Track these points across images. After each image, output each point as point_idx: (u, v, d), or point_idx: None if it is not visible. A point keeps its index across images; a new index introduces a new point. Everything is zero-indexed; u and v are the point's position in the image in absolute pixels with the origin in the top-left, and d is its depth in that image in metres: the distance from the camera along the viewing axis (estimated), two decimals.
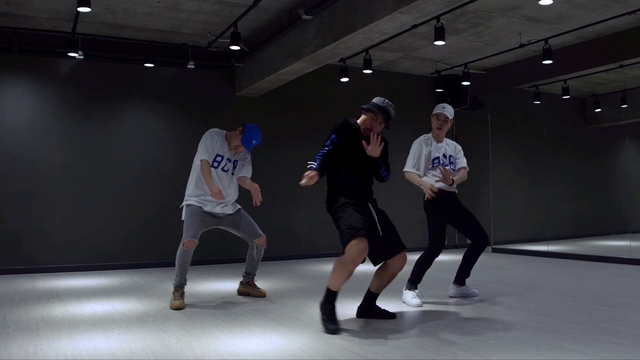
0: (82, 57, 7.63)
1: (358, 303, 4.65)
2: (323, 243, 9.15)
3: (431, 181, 5.21)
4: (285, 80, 7.83)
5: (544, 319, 4.40)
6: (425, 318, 4.55)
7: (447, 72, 9.92)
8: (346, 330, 4.08)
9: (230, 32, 6.84)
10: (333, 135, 4.41)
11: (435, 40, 6.71)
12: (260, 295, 5.59)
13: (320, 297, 4.32)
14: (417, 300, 5.07)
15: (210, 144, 5.33)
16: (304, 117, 9.14)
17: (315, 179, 4.16)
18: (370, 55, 8.30)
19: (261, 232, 5.50)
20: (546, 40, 7.86)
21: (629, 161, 9.68)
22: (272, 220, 8.20)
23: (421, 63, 9.57)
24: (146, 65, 7.92)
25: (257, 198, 5.23)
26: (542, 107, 10.27)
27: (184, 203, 5.46)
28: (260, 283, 6.44)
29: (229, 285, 6.36)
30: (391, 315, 4.49)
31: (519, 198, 10.66)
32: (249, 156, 5.52)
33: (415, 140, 5.37)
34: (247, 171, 5.48)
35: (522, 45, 8.20)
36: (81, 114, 7.91)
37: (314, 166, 4.23)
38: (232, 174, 5.44)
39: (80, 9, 5.73)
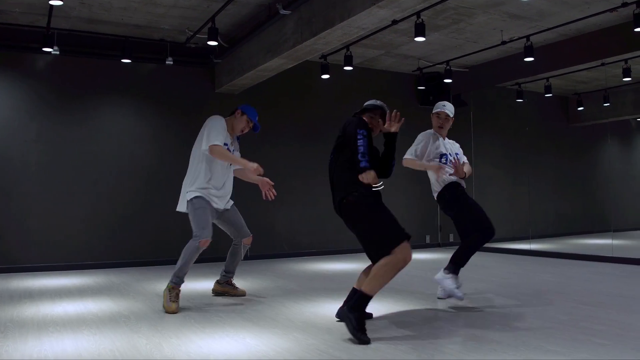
0: (57, 52, 7.47)
1: (332, 303, 4.55)
2: (304, 241, 9.07)
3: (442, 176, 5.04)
4: (265, 77, 7.72)
5: (523, 318, 4.33)
6: (402, 318, 4.47)
7: (429, 70, 9.86)
8: (316, 330, 4.00)
9: (208, 28, 6.72)
10: (364, 130, 4.07)
11: (416, 36, 6.64)
12: (241, 294, 5.48)
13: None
14: (460, 293, 4.81)
15: (221, 127, 4.98)
16: (284, 115, 9.04)
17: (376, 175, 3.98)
18: (351, 52, 8.21)
19: (249, 232, 5.36)
20: (528, 37, 7.82)
21: (611, 160, 9.68)
22: (253, 219, 8.03)
23: (403, 60, 9.50)
24: (123, 61, 7.78)
25: (269, 192, 5.03)
26: (525, 105, 10.25)
27: (190, 195, 5.04)
28: (239, 282, 6.34)
29: (205, 284, 6.24)
30: (368, 315, 4.40)
31: (501, 196, 10.63)
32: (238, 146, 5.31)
33: (421, 133, 5.23)
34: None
35: (503, 43, 8.15)
36: (57, 110, 7.75)
37: (366, 165, 3.95)
38: (230, 164, 5.16)
39: (53, 2, 5.60)
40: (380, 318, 4.45)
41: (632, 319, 4.22)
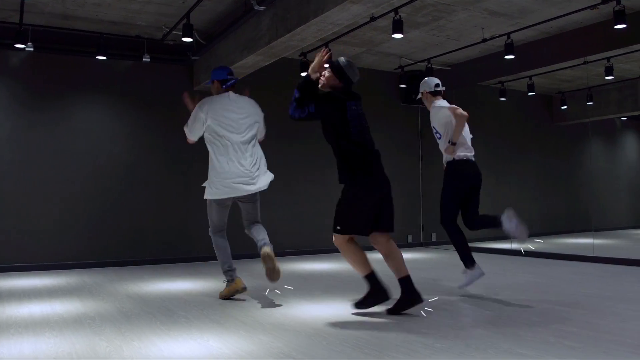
0: (32, 49, 7.33)
1: (302, 304, 4.45)
2: (286, 241, 8.94)
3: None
4: (243, 74, 7.61)
5: (496, 320, 4.25)
6: (370, 319, 4.37)
7: (411, 68, 9.79)
8: (282, 332, 3.90)
9: (183, 24, 6.60)
10: None
11: (394, 33, 6.55)
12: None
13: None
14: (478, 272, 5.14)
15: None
16: (264, 113, 8.88)
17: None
18: (330, 49, 8.10)
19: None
20: (508, 34, 7.76)
21: (592, 159, 9.63)
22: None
23: (384, 58, 9.41)
24: (99, 57, 7.65)
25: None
26: (508, 104, 10.19)
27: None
28: (213, 282, 6.25)
29: (183, 285, 6.13)
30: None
31: (484, 195, 10.51)
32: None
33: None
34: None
35: (484, 40, 8.08)
36: (31, 108, 7.61)
37: None
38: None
39: None
40: (348, 319, 4.35)
41: (605, 321, 4.15)
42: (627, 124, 10.91)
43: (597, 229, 8.64)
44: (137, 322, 4.32)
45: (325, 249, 8.96)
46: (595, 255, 7.70)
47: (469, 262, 5.18)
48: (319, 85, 4.54)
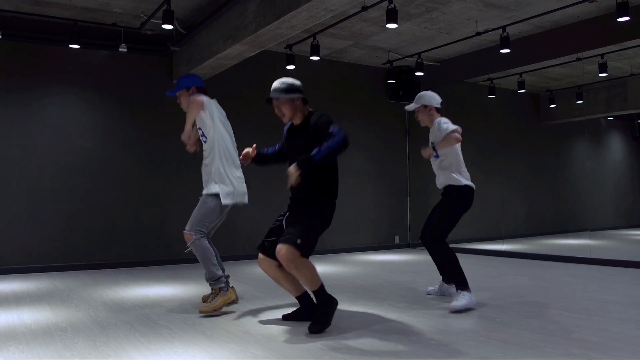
0: (0, 37, 6.85)
1: None
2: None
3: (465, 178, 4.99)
4: (226, 66, 7.20)
5: (507, 328, 3.92)
6: (372, 329, 4.00)
7: (399, 63, 9.46)
8: (277, 345, 3.52)
9: (163, 10, 6.17)
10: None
11: (388, 22, 6.19)
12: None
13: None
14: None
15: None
16: (247, 107, 8.49)
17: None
18: (317, 41, 7.75)
19: (187, 226, 4.63)
20: (504, 28, 7.46)
21: (584, 158, 9.41)
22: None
23: (372, 52, 9.07)
24: (72, 46, 7.17)
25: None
26: (497, 102, 9.93)
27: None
28: (195, 287, 5.84)
29: (162, 290, 5.71)
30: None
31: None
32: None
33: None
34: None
35: (478, 34, 7.78)
36: None
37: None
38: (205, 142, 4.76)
39: None
40: (348, 332, 3.98)
41: (624, 329, 3.84)
42: (614, 124, 10.73)
43: (594, 228, 8.40)
44: (113, 333, 3.89)
45: (315, 251, 8.58)
46: (592, 257, 7.44)
47: (465, 283, 4.71)
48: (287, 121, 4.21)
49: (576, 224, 9.16)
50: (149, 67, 7.99)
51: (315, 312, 3.95)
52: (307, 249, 3.88)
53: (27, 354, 3.39)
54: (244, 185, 4.75)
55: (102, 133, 7.67)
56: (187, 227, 4.57)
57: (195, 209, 4.63)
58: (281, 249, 3.77)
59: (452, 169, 4.95)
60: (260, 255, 4.14)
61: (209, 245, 4.59)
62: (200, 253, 4.55)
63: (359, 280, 6.30)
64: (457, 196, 4.91)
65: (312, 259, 4.01)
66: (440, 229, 4.89)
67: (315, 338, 3.68)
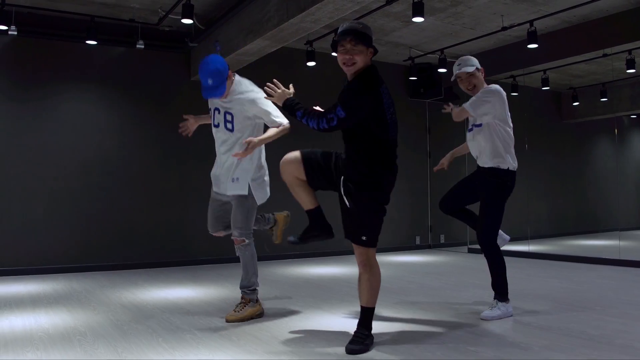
0: (15, 32, 6.71)
1: (324, 315, 3.88)
2: (289, 245, 8.35)
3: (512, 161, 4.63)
4: (245, 62, 7.03)
5: (547, 334, 3.71)
6: (410, 329, 3.82)
7: (421, 60, 9.26)
8: (307, 351, 3.33)
9: (183, 4, 6.02)
10: None
11: (414, 16, 6.00)
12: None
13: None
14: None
15: None
16: None
17: None
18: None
19: (236, 233, 4.33)
20: (531, 22, 7.24)
21: (609, 156, 9.18)
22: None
23: (393, 49, 8.87)
24: (89, 43, 7.03)
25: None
26: (519, 100, 9.71)
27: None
28: (217, 290, 5.67)
29: (183, 292, 5.55)
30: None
31: None
32: (248, 93, 4.20)
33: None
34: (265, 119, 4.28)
35: (504, 29, 7.56)
36: (13, 98, 6.97)
37: None
38: (228, 129, 4.23)
39: None
40: (380, 338, 3.79)
41: None
42: (638, 122, 10.49)
43: (623, 228, 8.15)
44: (135, 339, 3.73)
45: (329, 252, 8.41)
46: (621, 258, 7.20)
47: (505, 293, 4.44)
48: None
49: (602, 224, 8.91)
50: (166, 64, 7.84)
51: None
52: (375, 239, 3.67)
53: None
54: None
55: (120, 131, 7.53)
56: (235, 233, 4.29)
57: (235, 211, 4.30)
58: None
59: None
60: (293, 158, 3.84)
61: (255, 252, 4.41)
62: (249, 258, 4.35)
63: (383, 282, 6.10)
64: (497, 185, 4.52)
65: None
66: (489, 232, 4.60)
67: (345, 342, 3.48)
